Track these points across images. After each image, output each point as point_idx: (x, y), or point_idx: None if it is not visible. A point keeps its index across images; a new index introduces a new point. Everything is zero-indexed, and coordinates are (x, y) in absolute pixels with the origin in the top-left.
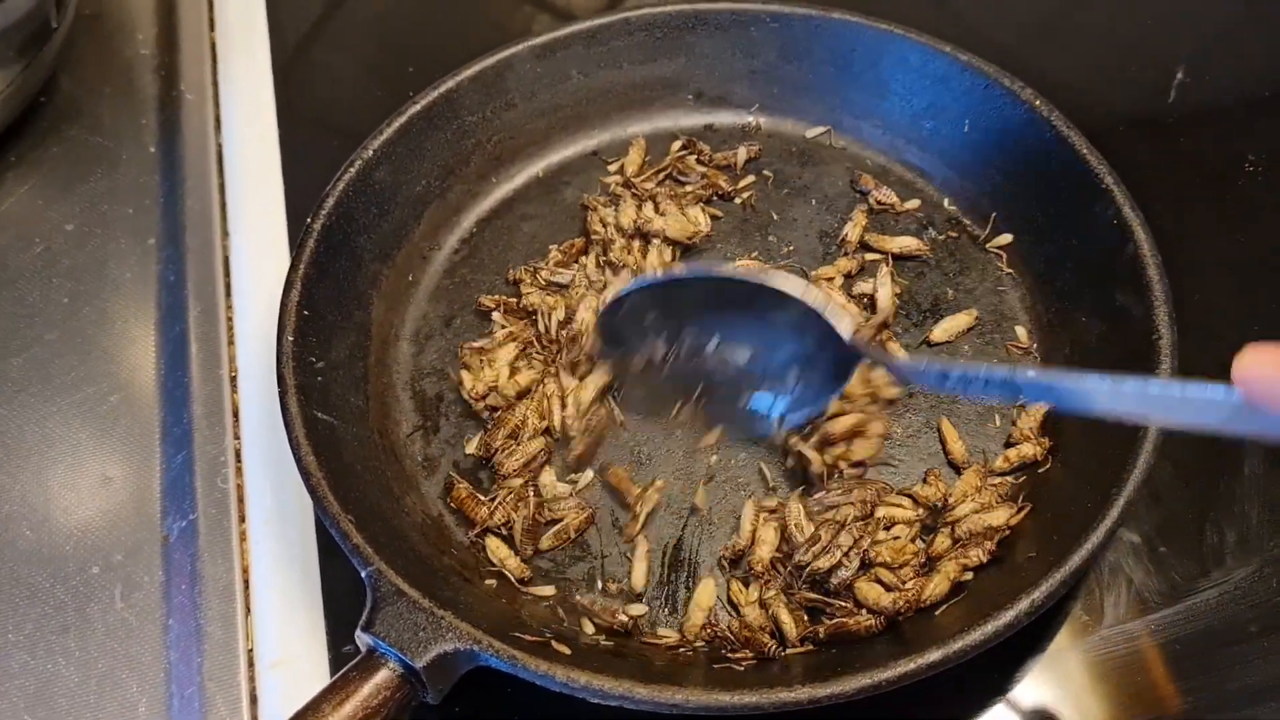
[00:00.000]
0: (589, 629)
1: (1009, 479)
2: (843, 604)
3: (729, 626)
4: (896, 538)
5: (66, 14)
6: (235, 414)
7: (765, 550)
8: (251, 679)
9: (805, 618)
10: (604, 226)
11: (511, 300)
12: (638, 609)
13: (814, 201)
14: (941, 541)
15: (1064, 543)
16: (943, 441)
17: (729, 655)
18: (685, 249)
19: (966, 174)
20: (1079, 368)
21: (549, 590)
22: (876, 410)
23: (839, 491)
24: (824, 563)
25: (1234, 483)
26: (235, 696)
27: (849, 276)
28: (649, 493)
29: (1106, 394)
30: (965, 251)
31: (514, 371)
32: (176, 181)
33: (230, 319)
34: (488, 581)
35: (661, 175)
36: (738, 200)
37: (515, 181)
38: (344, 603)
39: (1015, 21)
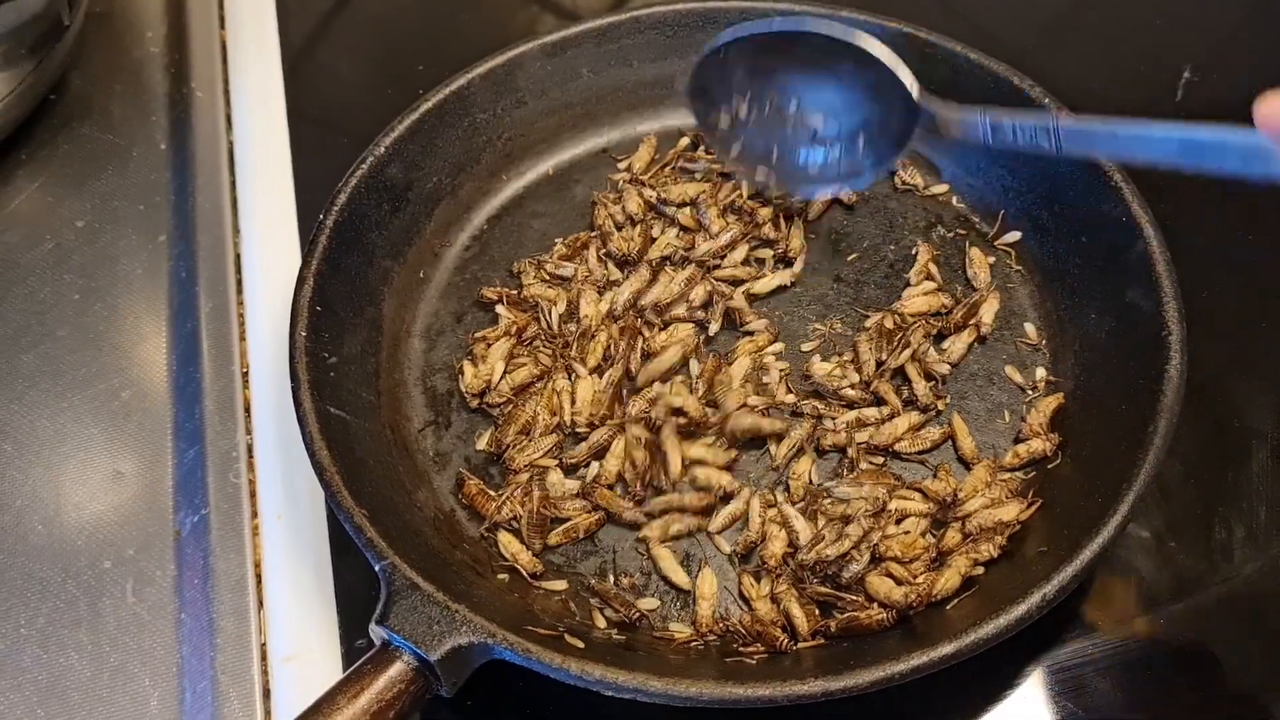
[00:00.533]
0: (601, 623)
1: (1019, 474)
2: (854, 598)
3: (740, 620)
4: (907, 532)
5: (78, 12)
6: (247, 409)
7: (777, 545)
8: (265, 673)
9: (817, 612)
10: (609, 220)
11: (513, 292)
12: (649, 603)
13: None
14: (952, 536)
15: (1074, 538)
16: (953, 437)
17: (740, 649)
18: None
19: (975, 171)
20: (1088, 364)
21: (561, 584)
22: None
23: (851, 482)
24: (832, 551)
25: (1242, 479)
26: (248, 691)
27: None
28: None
29: (1135, 138)
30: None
31: (511, 369)
32: (187, 178)
33: (242, 315)
34: (500, 576)
35: (667, 169)
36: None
37: (526, 179)
38: (356, 597)
39: (1023, 20)
